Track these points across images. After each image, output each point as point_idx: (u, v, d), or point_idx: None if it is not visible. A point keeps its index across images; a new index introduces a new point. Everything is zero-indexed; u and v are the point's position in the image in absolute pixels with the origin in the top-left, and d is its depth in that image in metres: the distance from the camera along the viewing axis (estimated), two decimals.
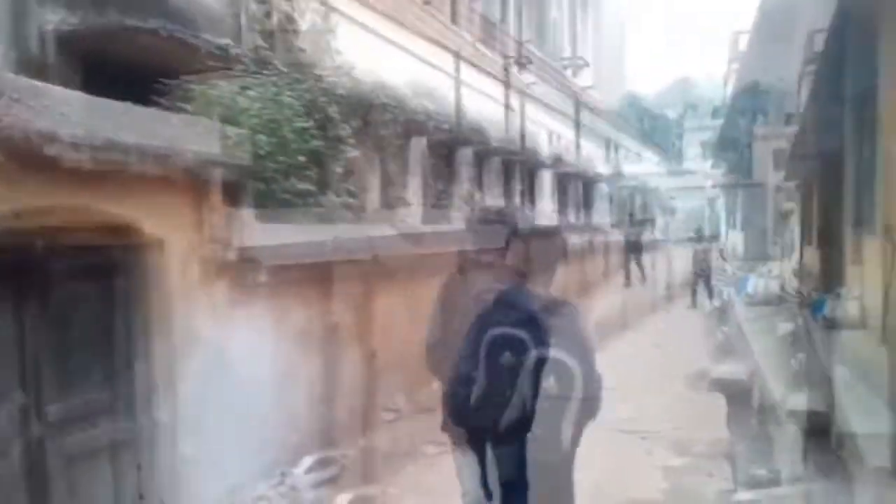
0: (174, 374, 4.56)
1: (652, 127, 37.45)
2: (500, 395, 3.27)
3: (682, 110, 45.08)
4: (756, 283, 13.00)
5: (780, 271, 14.42)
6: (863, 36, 6.26)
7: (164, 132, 4.29)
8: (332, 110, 6.75)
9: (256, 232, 5.17)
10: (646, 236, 21.44)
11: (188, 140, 4.46)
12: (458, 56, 11.80)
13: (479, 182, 12.56)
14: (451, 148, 11.13)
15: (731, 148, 22.38)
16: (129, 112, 4.12)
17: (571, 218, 18.53)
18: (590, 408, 3.36)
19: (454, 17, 12.23)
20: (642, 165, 28.75)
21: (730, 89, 25.48)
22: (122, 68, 5.32)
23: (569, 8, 19.58)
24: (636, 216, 24.25)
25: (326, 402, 6.15)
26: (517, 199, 14.17)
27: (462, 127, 11.50)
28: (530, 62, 15.55)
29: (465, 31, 12.56)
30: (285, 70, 6.60)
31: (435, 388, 7.58)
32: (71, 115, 3.69)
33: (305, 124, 6.19)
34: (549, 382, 3.23)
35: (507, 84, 13.75)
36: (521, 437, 3.26)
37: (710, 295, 17.68)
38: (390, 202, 8.83)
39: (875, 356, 5.67)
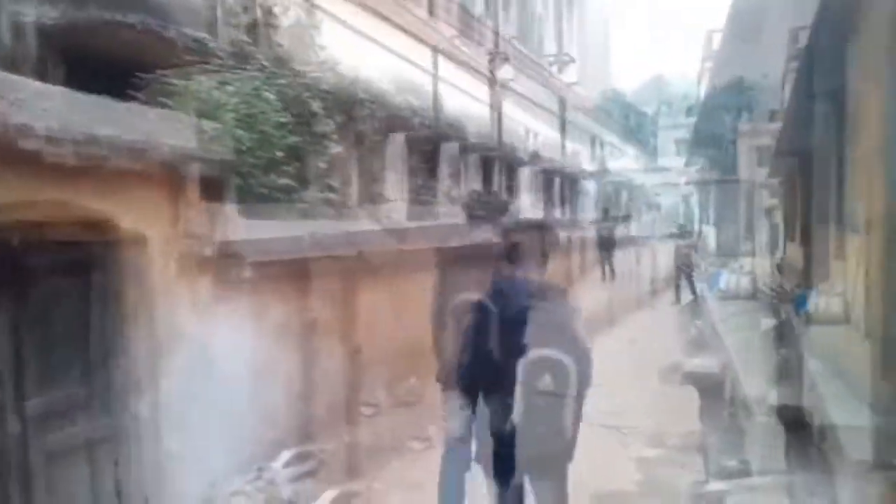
0: (154, 370, 4.52)
1: (637, 123, 37.64)
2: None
3: (656, 108, 45.41)
4: (728, 279, 13.10)
5: (752, 267, 14.54)
6: (840, 33, 6.31)
7: (141, 127, 4.25)
8: (316, 106, 6.72)
9: (237, 227, 5.14)
10: (619, 232, 21.50)
11: (166, 135, 4.42)
12: (436, 50, 11.77)
13: (458, 178, 12.56)
14: (433, 144, 11.12)
15: (709, 144, 22.49)
16: (107, 106, 4.08)
17: (554, 214, 18.56)
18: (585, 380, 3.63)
19: (432, 11, 12.20)
20: (621, 161, 28.84)
21: (703, 88, 25.63)
22: (102, 62, 5.27)
23: (554, 4, 19.59)
24: (610, 212, 24.32)
25: (307, 397, 6.13)
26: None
27: (441, 123, 11.49)
28: (507, 59, 15.55)
29: (444, 25, 12.53)
30: (266, 65, 6.56)
31: (413, 383, 7.61)
32: (48, 109, 3.65)
33: (283, 119, 6.15)
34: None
35: (488, 80, 13.72)
36: (510, 392, 3.48)
37: (693, 291, 17.81)
38: (373, 198, 8.81)
39: (857, 351, 5.72)
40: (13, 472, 3.78)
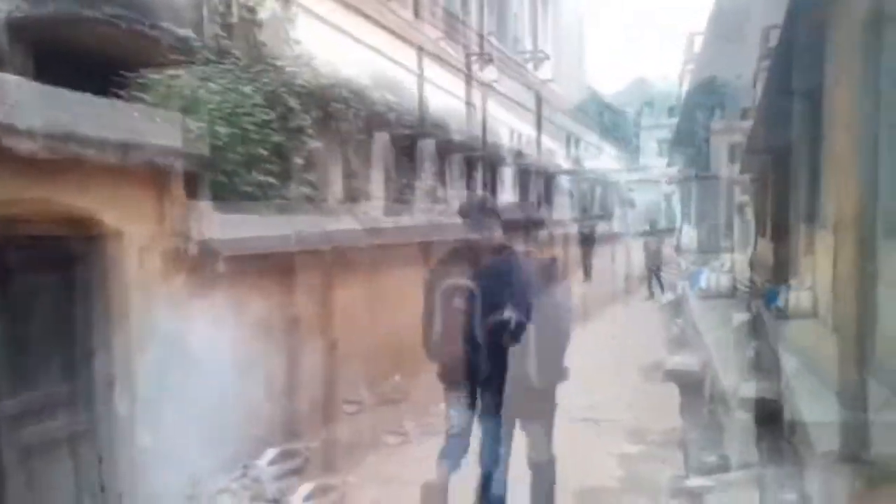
0: (134, 366, 4.51)
1: (612, 122, 37.88)
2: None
3: (639, 108, 45.81)
4: (709, 277, 13.26)
5: (733, 264, 14.73)
6: (813, 32, 6.40)
7: (123, 123, 4.23)
8: (292, 101, 6.70)
9: (216, 223, 5.12)
10: (599, 230, 21.71)
11: (147, 131, 4.40)
12: (420, 50, 11.77)
13: (441, 176, 12.59)
14: (413, 142, 11.12)
15: (688, 143, 22.75)
16: (88, 103, 4.05)
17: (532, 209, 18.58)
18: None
19: (417, 11, 12.21)
20: (601, 160, 29.02)
21: (685, 89, 25.87)
22: (80, 58, 5.22)
23: (529, 2, 19.64)
24: (589, 211, 24.55)
25: (288, 393, 6.13)
26: (479, 192, 14.21)
27: (425, 121, 11.50)
28: (491, 60, 15.61)
29: (427, 24, 12.54)
30: (245, 61, 6.53)
31: (398, 381, 7.63)
32: (26, 104, 3.62)
33: (267, 116, 6.14)
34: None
35: (469, 79, 13.75)
36: (500, 383, 4.15)
37: (661, 288, 18.03)
38: (353, 194, 8.81)
39: (825, 345, 5.83)
40: None
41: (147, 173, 4.51)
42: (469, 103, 13.69)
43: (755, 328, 8.85)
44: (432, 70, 12.23)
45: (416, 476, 5.68)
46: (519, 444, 4.48)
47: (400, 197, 10.32)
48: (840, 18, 5.97)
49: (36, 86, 3.90)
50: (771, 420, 5.64)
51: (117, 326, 4.42)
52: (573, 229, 19.38)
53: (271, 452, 5.58)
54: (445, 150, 12.57)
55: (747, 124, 13.50)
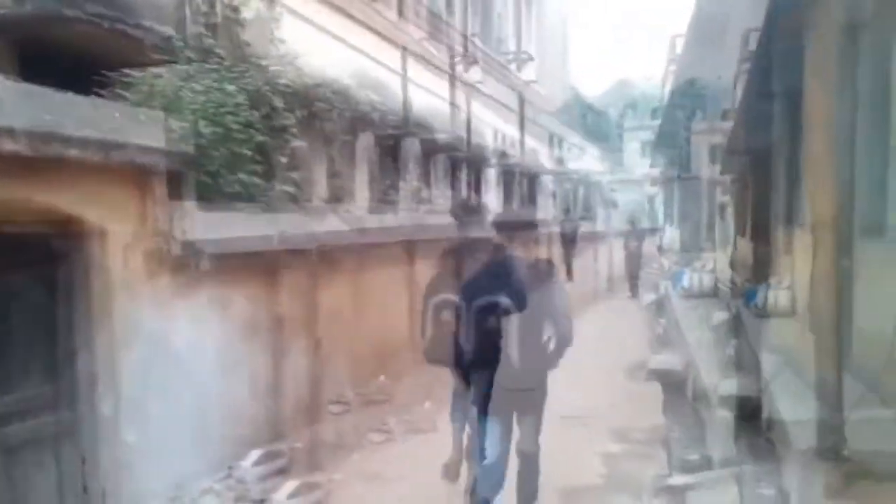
0: (117, 366, 4.50)
1: (595, 123, 38.03)
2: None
3: (622, 110, 46.05)
4: (691, 277, 13.37)
5: (715, 264, 14.86)
6: (791, 36, 6.49)
7: (105, 122, 4.22)
8: (276, 100, 6.70)
9: (200, 223, 5.12)
10: (582, 230, 21.82)
11: (130, 131, 4.40)
12: (405, 50, 11.78)
13: (426, 177, 12.62)
14: (396, 142, 11.14)
15: (670, 144, 22.91)
16: (70, 102, 4.04)
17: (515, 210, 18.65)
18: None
19: (401, 11, 12.22)
20: (584, 161, 29.15)
21: (668, 91, 26.05)
22: (63, 57, 5.19)
23: (513, 2, 19.69)
24: (572, 212, 24.68)
25: (272, 394, 6.13)
26: (463, 193, 14.27)
27: (409, 121, 11.51)
28: (476, 61, 15.67)
29: (412, 25, 12.55)
30: (229, 61, 6.52)
31: (383, 380, 7.65)
32: (7, 103, 3.61)
33: (250, 116, 6.13)
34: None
35: (452, 80, 13.77)
36: (492, 370, 4.35)
37: (636, 287, 18.21)
38: (337, 194, 8.81)
39: (803, 343, 5.91)
40: None
41: (130, 172, 4.51)
42: (453, 104, 13.71)
43: (734, 327, 8.94)
44: (416, 70, 12.25)
45: (398, 473, 5.74)
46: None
47: (384, 197, 10.33)
48: (817, 23, 6.06)
49: (17, 85, 3.89)
50: (748, 417, 5.71)
51: (100, 326, 4.41)
52: (556, 229, 19.47)
53: (256, 453, 5.58)
54: (430, 150, 12.60)
55: (728, 125, 13.63)
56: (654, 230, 33.08)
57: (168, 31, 5.89)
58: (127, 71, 5.44)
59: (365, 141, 9.95)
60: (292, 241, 6.28)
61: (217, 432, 5.44)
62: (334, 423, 6.78)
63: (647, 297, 16.87)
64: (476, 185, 15.52)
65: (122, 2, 5.64)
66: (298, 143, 7.15)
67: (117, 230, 4.50)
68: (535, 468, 4.64)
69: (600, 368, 9.12)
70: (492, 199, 16.35)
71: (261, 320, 6.02)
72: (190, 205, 4.99)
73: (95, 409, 4.42)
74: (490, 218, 4.98)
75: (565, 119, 25.98)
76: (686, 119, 21.41)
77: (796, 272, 7.40)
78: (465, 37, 15.55)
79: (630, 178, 41.76)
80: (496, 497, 4.48)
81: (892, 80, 4.84)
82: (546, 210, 21.46)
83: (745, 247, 12.39)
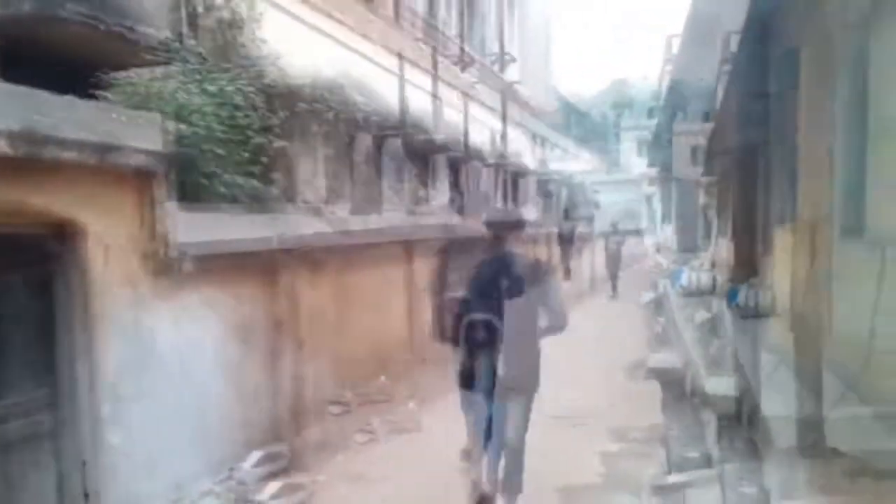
0: (109, 368, 4.46)
1: (583, 123, 38.11)
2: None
3: (618, 109, 46.17)
4: (689, 276, 13.37)
5: (713, 262, 14.95)
6: (782, 39, 6.55)
7: (98, 125, 4.17)
8: (259, 100, 6.68)
9: (193, 225, 5.08)
10: (579, 231, 21.95)
11: (125, 134, 4.35)
12: (401, 57, 11.76)
13: (422, 177, 12.67)
14: (382, 142, 11.14)
15: (666, 144, 23.03)
16: (61, 103, 4.00)
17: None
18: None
19: (397, 16, 12.23)
20: (570, 161, 29.20)
21: (664, 91, 26.15)
22: (53, 58, 5.14)
23: (496, 4, 19.71)
24: (571, 212, 24.79)
25: (271, 395, 6.11)
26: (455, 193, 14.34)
27: (405, 122, 11.51)
28: (473, 61, 15.70)
29: (407, 26, 12.54)
30: (211, 60, 6.49)
31: (383, 381, 7.64)
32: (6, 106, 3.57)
33: (231, 116, 6.11)
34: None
35: (435, 80, 13.75)
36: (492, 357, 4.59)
37: (614, 288, 18.29)
38: (322, 194, 8.80)
39: (784, 342, 5.98)
40: None
41: (124, 175, 4.46)
42: (436, 96, 13.68)
43: (716, 326, 9.02)
44: (410, 71, 12.21)
45: (382, 474, 5.73)
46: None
47: (371, 196, 10.33)
48: (813, 28, 6.11)
49: (6, 86, 3.85)
50: (730, 415, 5.76)
51: (92, 328, 4.37)
52: (550, 230, 19.56)
53: (256, 455, 5.57)
54: (424, 150, 12.63)
55: (708, 127, 13.73)
56: (638, 231, 33.18)
57: (149, 30, 5.85)
58: (109, 72, 5.40)
59: (356, 141, 9.96)
60: (281, 242, 6.25)
61: (216, 433, 5.42)
62: (335, 422, 6.77)
63: (646, 295, 16.92)
64: (477, 186, 15.64)
65: (112, 3, 5.59)
66: (281, 144, 7.13)
67: (109, 232, 4.44)
68: (520, 462, 4.72)
69: (598, 367, 9.15)
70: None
71: (254, 322, 5.98)
72: (176, 206, 4.95)
73: (91, 411, 4.37)
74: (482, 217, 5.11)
75: (548, 119, 26.01)
76: (671, 120, 21.56)
77: (777, 272, 7.47)
78: (461, 37, 15.58)
79: (627, 177, 41.92)
80: (523, 478, 4.67)
81: (869, 84, 4.90)
82: (529, 210, 21.52)
83: (728, 247, 12.49)
